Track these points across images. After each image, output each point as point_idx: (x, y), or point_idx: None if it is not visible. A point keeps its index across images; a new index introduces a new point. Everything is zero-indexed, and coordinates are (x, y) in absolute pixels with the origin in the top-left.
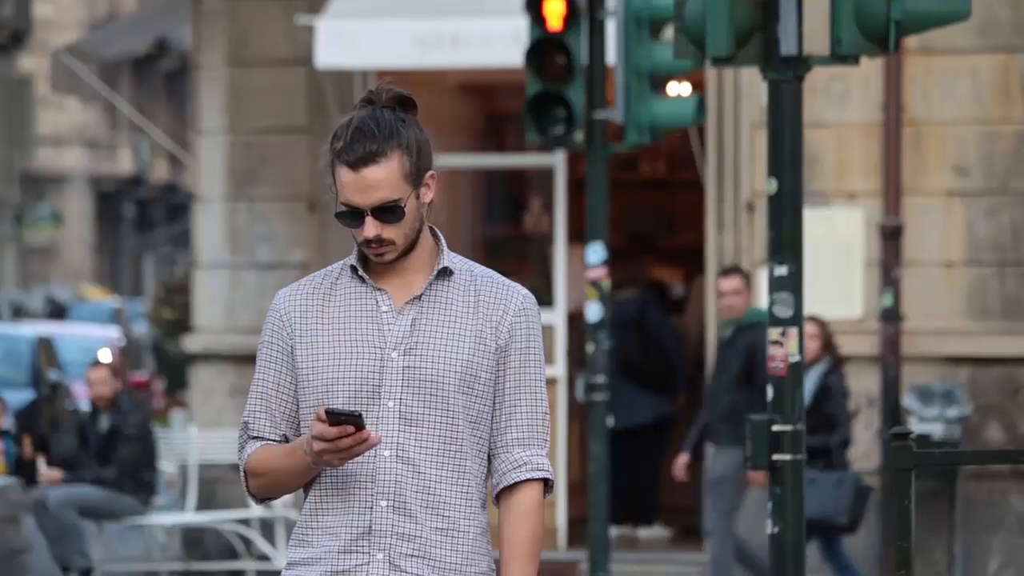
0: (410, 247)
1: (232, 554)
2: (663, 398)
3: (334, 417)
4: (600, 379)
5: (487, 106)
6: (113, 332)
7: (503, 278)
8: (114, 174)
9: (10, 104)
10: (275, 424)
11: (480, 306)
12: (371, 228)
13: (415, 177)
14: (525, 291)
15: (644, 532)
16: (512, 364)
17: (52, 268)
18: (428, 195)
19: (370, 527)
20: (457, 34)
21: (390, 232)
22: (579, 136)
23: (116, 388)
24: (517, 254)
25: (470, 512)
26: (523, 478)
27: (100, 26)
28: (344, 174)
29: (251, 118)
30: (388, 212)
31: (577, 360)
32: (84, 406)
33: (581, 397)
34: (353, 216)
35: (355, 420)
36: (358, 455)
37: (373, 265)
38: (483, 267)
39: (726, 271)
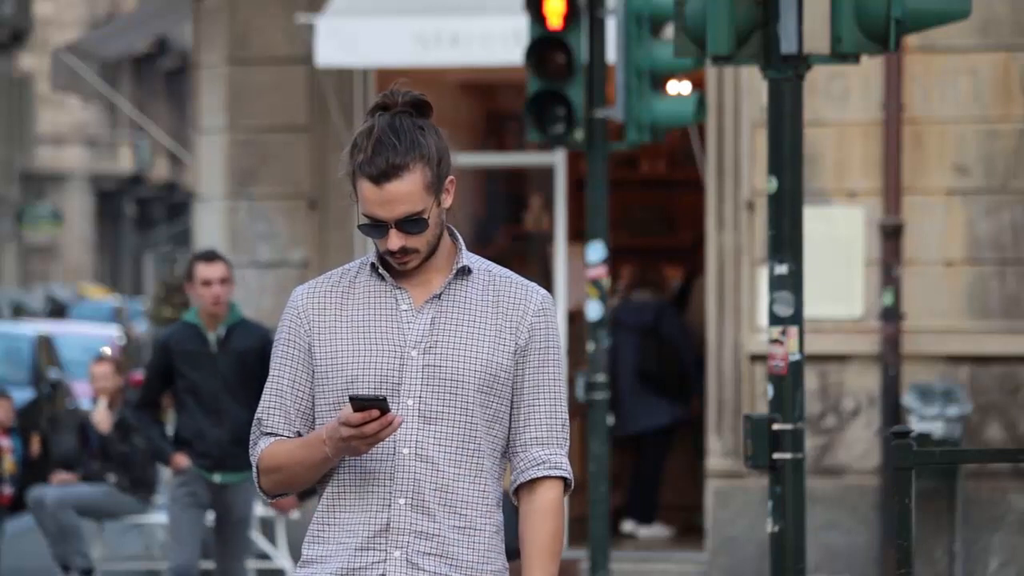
0: (431, 251)
1: None
2: (679, 403)
3: (359, 403)
4: (600, 378)
5: (487, 105)
6: (113, 331)
7: (521, 278)
8: (114, 173)
9: (10, 103)
10: (289, 421)
11: (500, 306)
12: (395, 240)
13: (437, 186)
14: (544, 291)
15: (644, 531)
16: (531, 364)
17: (52, 267)
18: (448, 200)
19: (388, 524)
20: (457, 33)
21: (414, 242)
22: (579, 135)
23: (118, 384)
24: (517, 253)
25: (486, 510)
26: (541, 475)
27: (100, 25)
28: (366, 188)
29: (251, 117)
30: (412, 224)
31: (577, 359)
32: (84, 405)
33: (581, 396)
34: (376, 228)
35: (380, 404)
36: (384, 439)
37: None
38: (501, 267)
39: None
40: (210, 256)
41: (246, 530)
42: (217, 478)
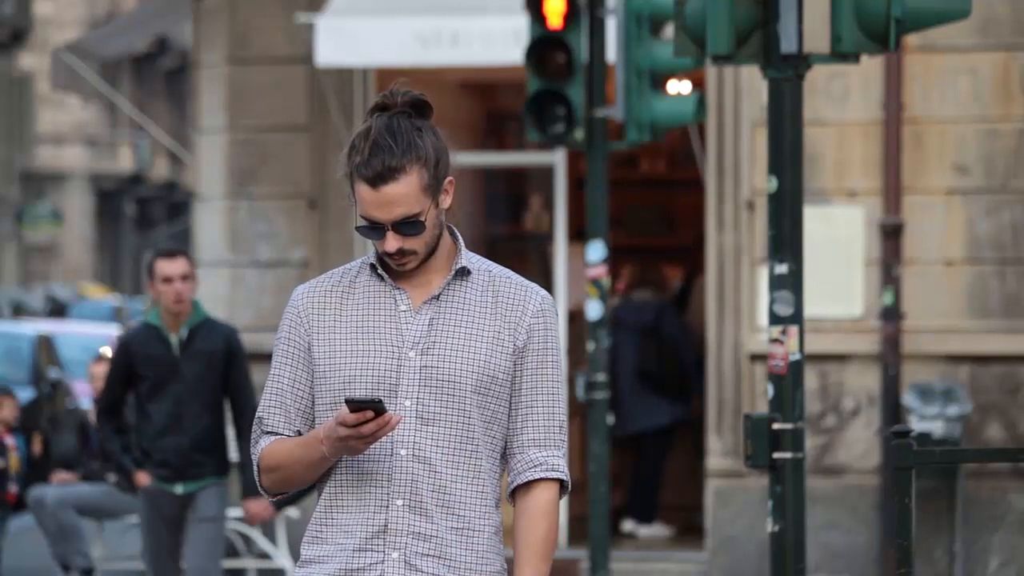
0: (430, 252)
1: (233, 552)
2: (679, 403)
3: (355, 405)
4: (600, 378)
5: (487, 104)
6: (113, 330)
7: (521, 278)
8: (114, 172)
9: (10, 102)
10: (289, 420)
11: (498, 306)
12: (392, 242)
13: (434, 188)
14: (543, 292)
15: (644, 531)
16: (529, 365)
17: (52, 266)
18: (447, 201)
19: (386, 526)
20: (457, 32)
21: (411, 244)
22: (579, 134)
23: None
24: (517, 253)
25: (484, 511)
26: (537, 477)
27: (100, 24)
28: (363, 190)
29: (251, 116)
30: (409, 226)
31: (577, 359)
32: (84, 404)
33: (581, 396)
34: (374, 230)
35: (375, 406)
36: (380, 438)
37: None
38: (501, 267)
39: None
40: (171, 252)
41: (217, 529)
42: (179, 489)
